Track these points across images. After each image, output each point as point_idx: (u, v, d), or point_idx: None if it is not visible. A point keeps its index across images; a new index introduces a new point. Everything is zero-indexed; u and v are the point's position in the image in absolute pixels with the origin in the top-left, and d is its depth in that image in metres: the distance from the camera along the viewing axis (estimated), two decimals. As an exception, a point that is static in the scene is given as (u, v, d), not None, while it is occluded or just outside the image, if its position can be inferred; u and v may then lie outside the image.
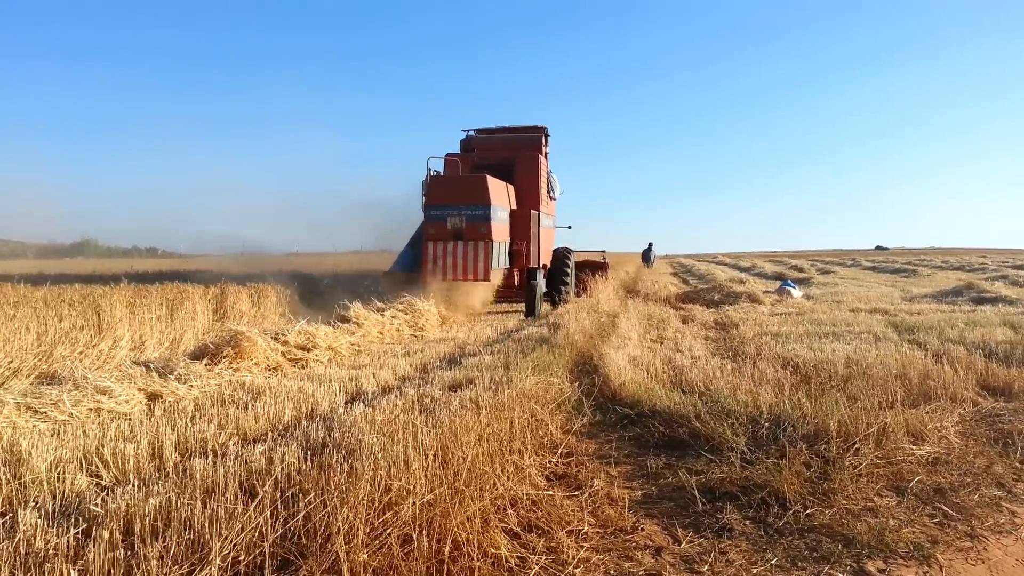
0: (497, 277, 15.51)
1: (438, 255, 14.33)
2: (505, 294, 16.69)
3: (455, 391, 6.27)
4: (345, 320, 11.54)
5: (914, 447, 5.14)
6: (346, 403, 6.38)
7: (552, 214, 19.59)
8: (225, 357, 8.10)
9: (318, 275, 17.95)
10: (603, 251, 25.37)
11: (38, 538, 3.16)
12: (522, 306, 16.74)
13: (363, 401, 6.21)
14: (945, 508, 4.35)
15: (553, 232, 19.87)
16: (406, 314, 12.77)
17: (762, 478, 4.57)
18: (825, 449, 4.95)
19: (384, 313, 12.47)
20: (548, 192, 18.52)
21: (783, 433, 5.23)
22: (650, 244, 40.72)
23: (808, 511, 4.23)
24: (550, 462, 5.06)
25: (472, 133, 18.23)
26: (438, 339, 11.39)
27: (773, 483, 4.49)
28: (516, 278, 16.49)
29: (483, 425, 4.65)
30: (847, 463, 4.75)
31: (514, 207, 16.65)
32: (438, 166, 16.47)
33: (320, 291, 15.63)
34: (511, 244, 16.18)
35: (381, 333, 11.57)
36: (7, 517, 3.69)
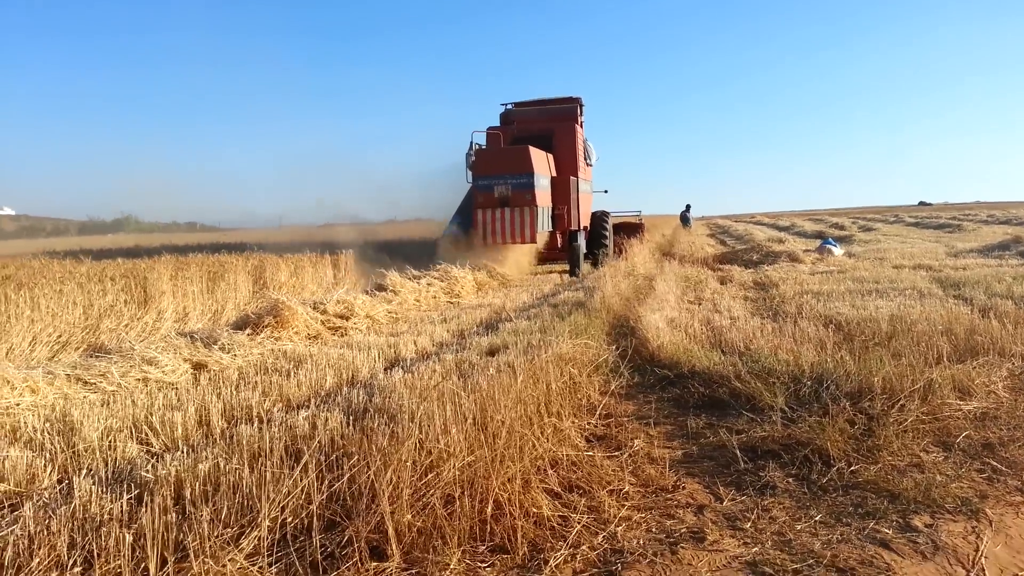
0: (542, 239, 16.87)
1: (487, 221, 15.67)
2: (548, 256, 18.14)
3: (492, 356, 6.35)
4: (382, 288, 11.70)
5: (961, 403, 5.04)
6: (386, 369, 6.47)
7: (589, 179, 20.83)
8: (267, 327, 8.24)
9: (363, 243, 18.69)
10: (639, 213, 25.40)
11: (93, 504, 3.24)
12: (564, 267, 17.87)
13: (402, 367, 6.28)
14: (994, 463, 4.26)
15: (591, 196, 21.05)
16: (442, 281, 13.01)
17: (805, 436, 4.52)
18: (869, 406, 4.87)
19: (420, 281, 12.69)
20: (585, 159, 19.78)
21: (826, 391, 5.16)
22: (688, 206, 39.50)
23: (852, 468, 4.18)
24: (589, 424, 5.08)
25: (510, 107, 19.67)
26: (474, 305, 11.52)
27: (816, 441, 4.44)
28: (558, 240, 17.90)
29: (520, 388, 4.66)
30: (892, 419, 4.67)
31: (554, 175, 17.76)
32: (481, 140, 17.79)
33: (376, 257, 16.50)
34: (553, 209, 17.35)
35: (418, 300, 11.76)
36: (63, 484, 3.80)
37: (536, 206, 15.62)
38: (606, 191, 22.58)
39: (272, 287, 11.75)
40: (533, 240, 15.87)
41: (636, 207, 35.83)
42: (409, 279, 12.46)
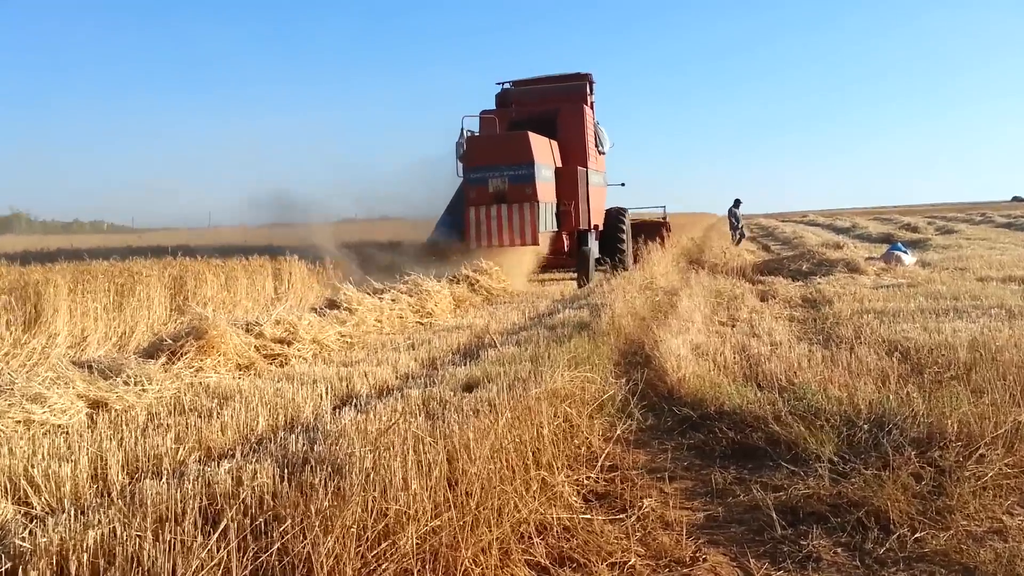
0: (544, 241, 17.21)
1: (481, 220, 16.11)
2: (554, 261, 18.53)
3: (469, 392, 6.35)
4: (334, 306, 11.66)
5: (1057, 453, 5.17)
6: (334, 408, 6.44)
7: (602, 170, 21.29)
8: (186, 353, 8.15)
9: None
10: (663, 210, 25.45)
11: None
12: (572, 275, 18.24)
13: (355, 406, 6.26)
14: (1097, 530, 4.36)
15: (604, 190, 21.54)
16: (411, 296, 13.00)
17: (858, 494, 4.54)
18: (940, 456, 4.88)
19: (383, 296, 12.66)
20: (596, 146, 20.29)
21: (886, 437, 5.18)
22: (737, 201, 31.95)
23: (917, 535, 4.18)
24: (588, 478, 5.08)
25: (508, 86, 20.19)
26: (450, 327, 11.56)
27: (872, 500, 4.45)
28: (565, 242, 18.27)
29: (503, 433, 4.70)
30: (969, 473, 4.67)
31: (559, 165, 18.33)
32: (473, 126, 18.28)
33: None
34: (558, 205, 17.82)
35: (379, 321, 11.75)
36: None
37: (537, 202, 15.99)
38: (623, 184, 22.80)
39: (196, 303, 11.58)
40: (534, 242, 16.25)
41: (659, 203, 35.69)
42: (369, 294, 12.46)
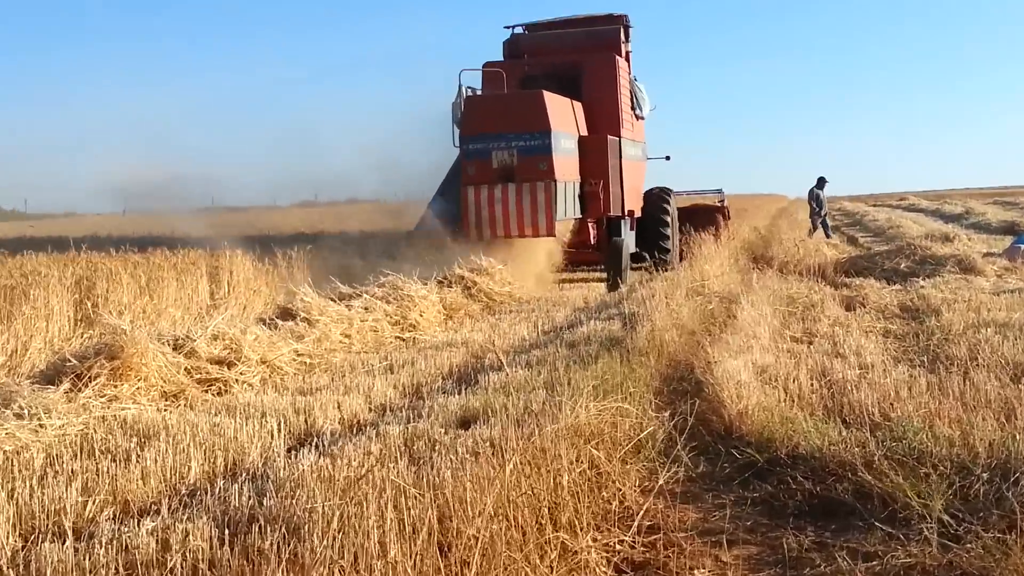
0: (563, 231, 17.25)
1: (482, 204, 16.14)
2: (577, 257, 18.62)
3: (465, 429, 6.36)
4: (289, 315, 11.59)
5: None
6: (289, 450, 6.47)
7: (640, 140, 21.29)
8: (96, 378, 8.07)
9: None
10: (720, 192, 25.34)
11: None
12: (601, 276, 18.13)
13: (316, 447, 6.25)
14: None
15: (643, 166, 21.54)
16: (388, 303, 12.91)
17: (976, 564, 4.49)
18: (1084, 516, 4.96)
19: (352, 303, 12.58)
20: (633, 108, 20.28)
21: (1012, 489, 5.11)
22: (821, 180, 31.90)
23: (1053, 620, 4.21)
24: (621, 542, 5.03)
25: (520, 30, 20.16)
26: (440, 343, 11.54)
27: (994, 573, 4.40)
28: (591, 232, 18.27)
29: (510, 483, 4.67)
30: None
31: (584, 132, 18.29)
32: (475, 83, 18.28)
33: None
34: (582, 185, 17.81)
35: (347, 336, 11.72)
36: None
37: (555, 180, 15.99)
38: (668, 158, 22.54)
39: (108, 312, 11.37)
40: (550, 233, 16.27)
41: (715, 183, 35.32)
42: (334, 301, 12.40)
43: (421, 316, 13.05)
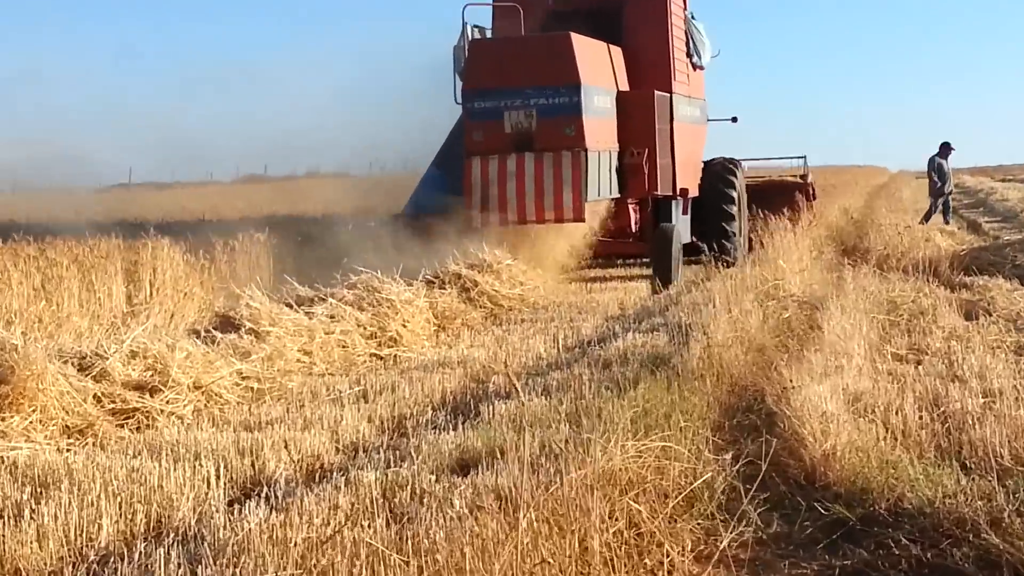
0: (595, 214, 17.19)
1: (491, 179, 16.33)
2: (612, 248, 18.92)
3: (463, 475, 6.34)
4: (231, 325, 11.55)
5: None
6: (231, 503, 6.41)
7: (699, 96, 21.60)
8: None
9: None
10: (802, 164, 25.20)
11: None
12: (643, 271, 18.48)
13: (266, 498, 6.15)
14: None
15: (702, 130, 21.97)
16: (360, 310, 12.91)
17: None
18: None
19: (313, 310, 12.50)
20: (688, 55, 20.58)
21: None
22: (945, 147, 32.02)
23: None
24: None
25: None
26: (430, 362, 11.65)
27: None
28: (632, 217, 18.51)
29: (524, 547, 4.74)
30: None
31: (623, 87, 18.32)
32: (484, 20, 18.25)
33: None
34: (621, 155, 17.87)
35: (307, 352, 11.68)
36: None
37: (586, 149, 16.10)
38: (735, 120, 23.14)
39: None
40: (579, 217, 16.34)
41: (795, 151, 35.02)
42: (290, 306, 12.32)
43: (404, 326, 12.98)
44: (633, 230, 17.80)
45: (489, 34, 17.44)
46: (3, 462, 7.55)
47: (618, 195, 17.59)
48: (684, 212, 18.71)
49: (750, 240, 18.92)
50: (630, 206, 17.78)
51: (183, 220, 19.56)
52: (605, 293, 17.18)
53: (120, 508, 6.21)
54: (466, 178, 16.11)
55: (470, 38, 17.06)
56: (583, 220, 16.26)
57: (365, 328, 12.62)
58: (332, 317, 12.38)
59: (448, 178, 17.12)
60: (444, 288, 14.64)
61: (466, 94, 16.49)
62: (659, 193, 17.96)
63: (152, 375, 9.45)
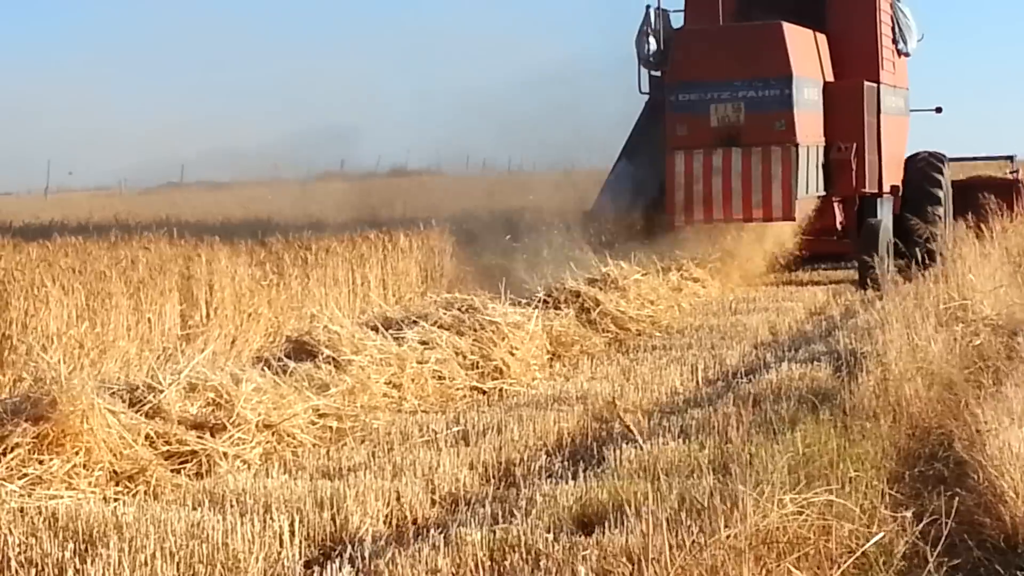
0: (802, 213, 17.47)
1: (695, 175, 16.68)
2: (816, 246, 18.87)
3: (587, 533, 6.28)
4: (305, 352, 11.21)
5: None
6: (308, 564, 6.42)
7: (903, 86, 21.71)
8: (12, 450, 7.92)
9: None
10: (1011, 161, 25.94)
11: None
12: (845, 274, 18.65)
13: (350, 559, 6.16)
14: None
15: (905, 122, 22.14)
16: (459, 334, 12.48)
17: None
18: None
19: (403, 334, 12.12)
20: (895, 42, 20.79)
21: None
22: None
23: None
24: None
25: None
26: (543, 398, 11.41)
27: None
28: (838, 215, 18.75)
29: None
30: None
31: (829, 77, 18.70)
32: (669, 5, 18.16)
33: None
34: (827, 150, 18.28)
35: (396, 385, 11.32)
36: None
37: (797, 144, 16.40)
38: (939, 110, 23.53)
39: (29, 344, 11.21)
40: (788, 216, 16.69)
41: (1003, 148, 35.21)
42: (376, 329, 11.98)
43: (512, 354, 12.49)
44: (839, 228, 18.33)
45: (683, 23, 17.99)
46: (42, 513, 7.38)
47: (826, 192, 18.02)
48: (892, 208, 19.14)
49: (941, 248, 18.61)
50: (835, 204, 18.11)
51: (244, 220, 19.50)
52: (752, 315, 16.73)
53: (178, 569, 6.22)
54: (669, 174, 16.42)
55: (655, 27, 17.24)
56: (793, 219, 16.59)
57: (465, 356, 12.31)
58: (425, 343, 12.12)
59: (639, 172, 17.53)
60: (559, 308, 14.49)
61: (669, 87, 17.18)
62: (867, 190, 18.08)
63: (214, 412, 9.31)
